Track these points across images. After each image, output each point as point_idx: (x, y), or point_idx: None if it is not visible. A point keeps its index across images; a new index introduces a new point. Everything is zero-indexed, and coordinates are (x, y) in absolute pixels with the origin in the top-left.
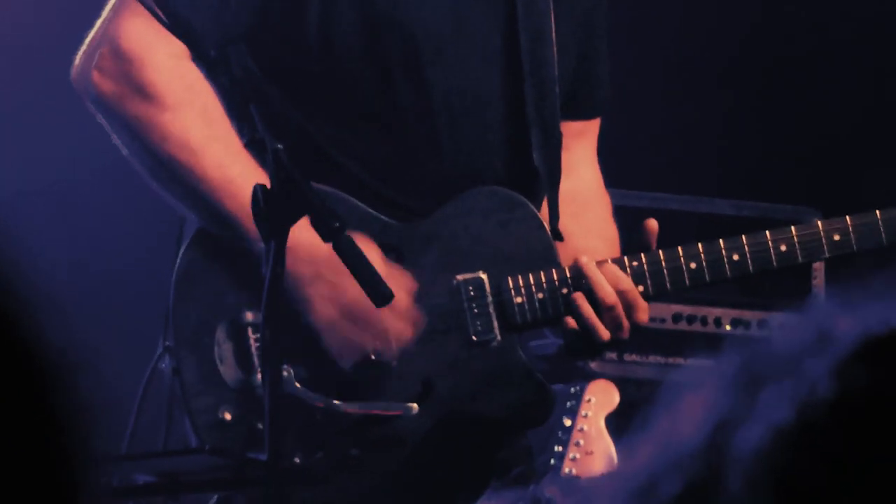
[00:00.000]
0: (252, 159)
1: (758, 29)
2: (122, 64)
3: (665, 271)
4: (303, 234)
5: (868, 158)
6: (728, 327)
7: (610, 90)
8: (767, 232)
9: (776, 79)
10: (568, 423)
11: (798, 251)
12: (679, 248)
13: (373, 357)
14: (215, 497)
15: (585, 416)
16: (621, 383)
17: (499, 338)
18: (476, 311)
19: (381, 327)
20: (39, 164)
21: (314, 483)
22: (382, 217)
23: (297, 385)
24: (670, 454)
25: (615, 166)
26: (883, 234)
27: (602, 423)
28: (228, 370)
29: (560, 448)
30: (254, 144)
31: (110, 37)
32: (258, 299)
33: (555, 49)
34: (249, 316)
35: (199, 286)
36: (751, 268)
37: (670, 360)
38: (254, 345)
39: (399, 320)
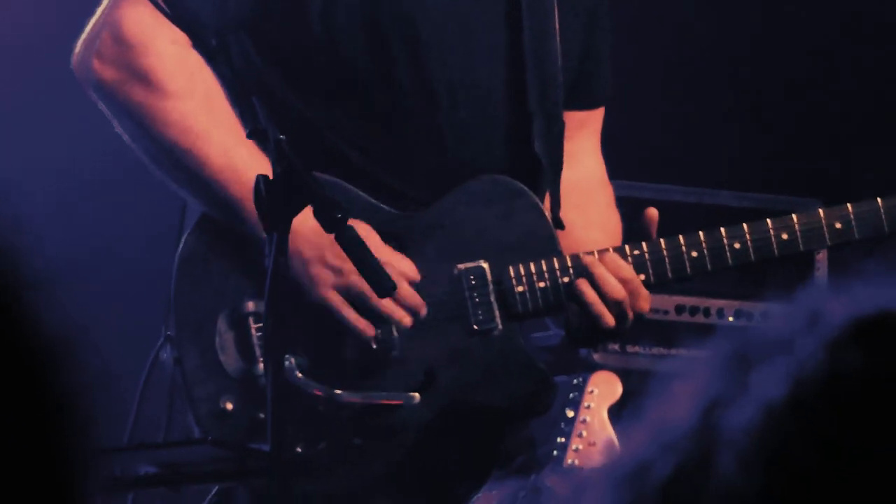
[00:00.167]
0: (255, 146)
1: (761, 22)
2: (123, 50)
3: (666, 259)
4: (308, 219)
5: (871, 151)
6: (731, 318)
7: (612, 80)
8: (769, 220)
9: (780, 70)
10: (571, 414)
11: (799, 239)
12: (680, 237)
13: (374, 347)
14: (217, 488)
15: (588, 408)
16: (624, 374)
17: (500, 327)
18: (477, 300)
19: (382, 313)
20: (40, 153)
21: (316, 473)
22: (384, 207)
23: (299, 375)
24: (661, 438)
25: (619, 157)
26: (884, 222)
27: (605, 415)
28: (230, 360)
29: (563, 439)
30: (256, 134)
31: (111, 23)
32: (260, 288)
33: (558, 38)
34: (251, 305)
35: (201, 275)
36: (752, 256)
37: (673, 351)
38: (255, 334)
39: (400, 306)
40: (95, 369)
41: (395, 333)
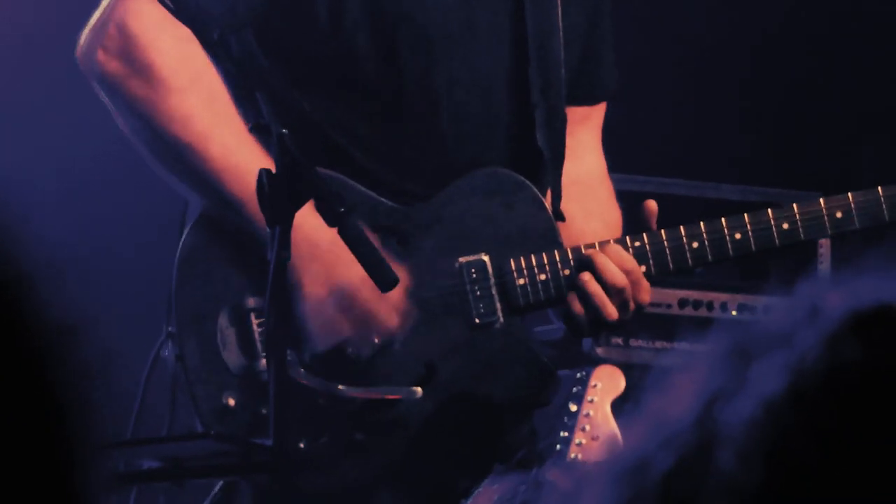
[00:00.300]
0: (257, 144)
1: (763, 16)
2: (128, 44)
3: (667, 251)
4: (305, 220)
5: (873, 145)
6: (734, 312)
7: (615, 76)
8: (770, 210)
9: (782, 65)
10: (574, 408)
11: (800, 229)
12: (681, 228)
13: (349, 350)
14: (220, 482)
15: (591, 402)
16: (627, 369)
17: (501, 320)
18: (478, 293)
19: (370, 318)
20: (42, 147)
21: (318, 468)
22: (385, 201)
23: (301, 370)
24: (661, 432)
25: (621, 151)
26: (885, 211)
27: (608, 409)
28: (231, 356)
29: (566, 433)
30: (258, 129)
31: (117, 16)
32: (260, 284)
33: (561, 33)
34: (252, 301)
35: (202, 271)
36: (753, 246)
37: (676, 345)
38: (256, 330)
39: (391, 313)
40: (97, 365)
41: (375, 338)
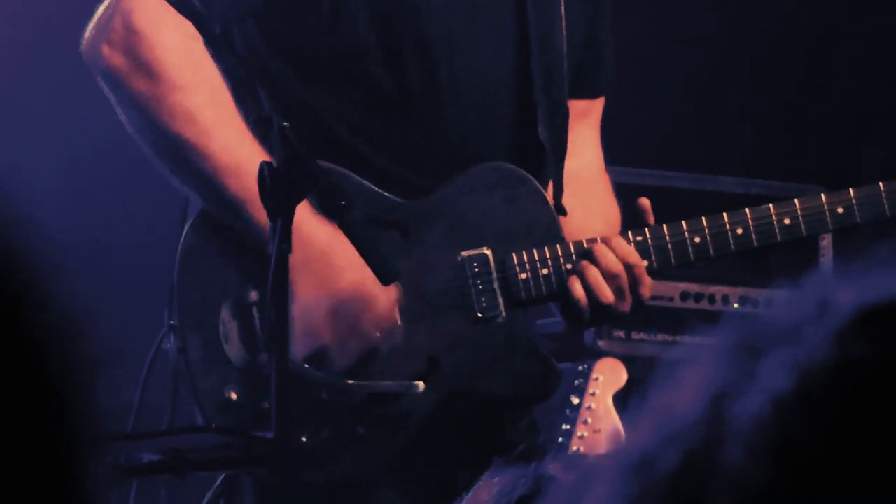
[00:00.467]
0: (259, 145)
1: (765, 10)
2: (133, 40)
3: (669, 245)
4: (302, 222)
5: (876, 138)
6: (736, 305)
7: (614, 69)
8: (771, 205)
9: (784, 58)
10: (576, 401)
11: (802, 224)
12: (683, 222)
13: (379, 335)
14: (222, 475)
15: (593, 395)
16: (629, 361)
17: (504, 314)
18: (481, 287)
19: (351, 329)
20: (43, 140)
21: (320, 462)
22: (387, 195)
23: (304, 364)
24: (668, 428)
25: (624, 144)
26: (886, 206)
27: (610, 402)
28: (233, 349)
29: (568, 426)
30: (259, 122)
31: (122, 11)
32: (263, 278)
33: (564, 27)
34: (254, 295)
35: (204, 264)
36: (755, 241)
37: (678, 338)
38: (259, 323)
39: (375, 323)
40: (99, 358)
41: (399, 322)
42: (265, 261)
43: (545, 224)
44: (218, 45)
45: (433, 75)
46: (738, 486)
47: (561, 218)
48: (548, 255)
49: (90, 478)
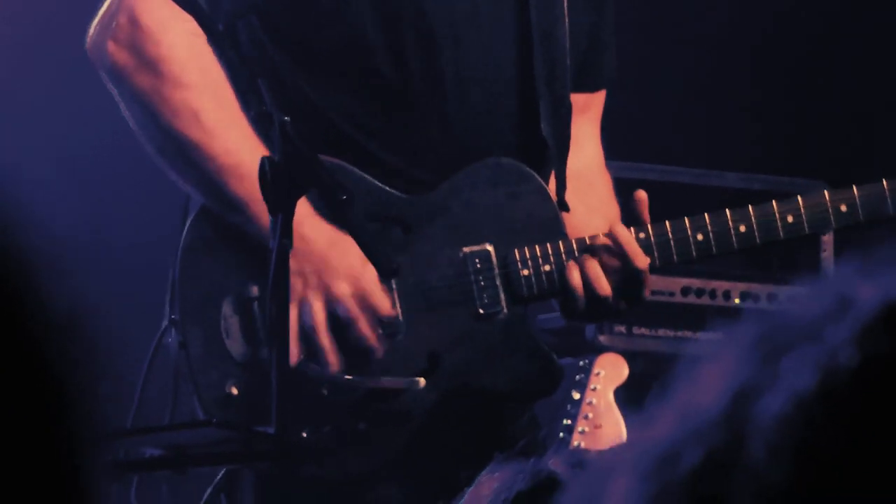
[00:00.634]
0: (261, 144)
1: (767, 4)
2: (138, 37)
3: (672, 243)
4: (304, 220)
5: (878, 132)
6: (737, 300)
7: (615, 63)
8: (774, 203)
9: (787, 53)
10: (577, 396)
11: (805, 222)
12: (686, 220)
13: (380, 332)
14: (223, 470)
15: (594, 390)
16: (630, 357)
17: (505, 310)
18: (483, 283)
19: (352, 329)
20: (44, 134)
21: (321, 457)
22: (389, 189)
23: (305, 359)
24: (690, 424)
25: (626, 139)
26: (890, 205)
27: (611, 397)
28: (235, 344)
29: (569, 421)
30: (260, 118)
31: (127, 8)
32: (264, 273)
33: (566, 21)
34: (255, 290)
35: (205, 259)
36: (758, 239)
37: (679, 333)
38: (260, 319)
39: (372, 324)
40: (99, 352)
41: (401, 318)
42: (267, 256)
43: (548, 220)
44: (221, 42)
45: (436, 69)
46: (759, 486)
47: (563, 214)
48: (550, 252)
49: (91, 474)
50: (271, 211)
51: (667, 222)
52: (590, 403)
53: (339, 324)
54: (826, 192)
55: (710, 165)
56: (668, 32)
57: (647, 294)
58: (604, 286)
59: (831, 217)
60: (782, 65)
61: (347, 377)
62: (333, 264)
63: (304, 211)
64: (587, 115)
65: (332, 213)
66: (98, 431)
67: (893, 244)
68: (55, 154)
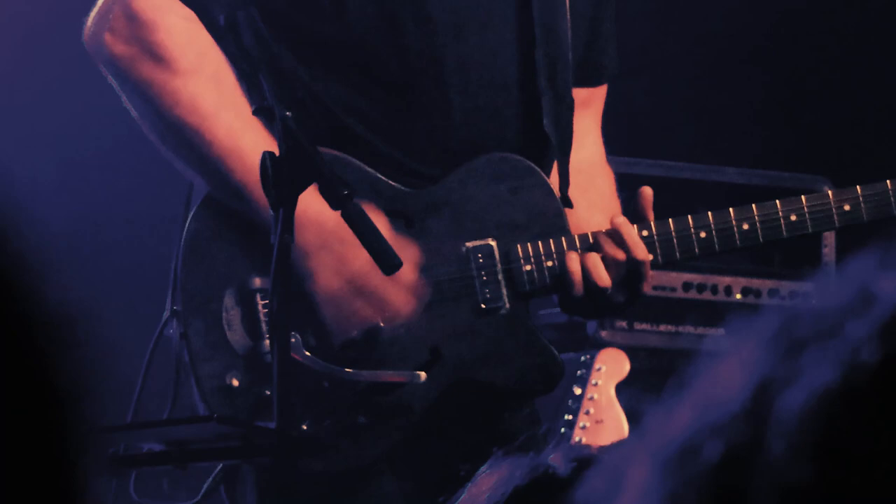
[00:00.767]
0: (263, 128)
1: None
2: (135, 26)
3: (675, 240)
4: (309, 203)
5: (878, 127)
6: (738, 296)
7: (616, 57)
8: (778, 202)
9: (789, 50)
10: (578, 391)
11: (808, 221)
12: (689, 218)
13: (381, 325)
14: (222, 464)
15: (596, 385)
16: (632, 352)
17: (507, 305)
18: (485, 278)
19: (385, 299)
20: (44, 127)
21: (321, 451)
22: (391, 183)
23: (306, 353)
24: (710, 417)
25: (628, 134)
26: (893, 204)
27: (612, 392)
28: (236, 336)
29: (570, 416)
30: (262, 112)
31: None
32: (266, 265)
33: (568, 16)
34: (257, 282)
35: (208, 251)
36: (761, 238)
37: (680, 328)
38: (262, 311)
39: (403, 293)
40: (101, 344)
41: (396, 318)
42: (269, 248)
43: (550, 216)
44: (222, 34)
45: (438, 64)
46: (780, 482)
47: (566, 210)
48: (552, 247)
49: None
50: (273, 205)
51: (670, 220)
52: (591, 398)
53: (370, 298)
54: (829, 192)
55: (712, 161)
56: (671, 28)
57: (647, 289)
58: (603, 278)
59: (835, 216)
60: (785, 61)
61: (348, 370)
62: (349, 240)
63: (308, 193)
64: (589, 110)
65: (333, 208)
66: (98, 427)
67: None
68: (54, 151)
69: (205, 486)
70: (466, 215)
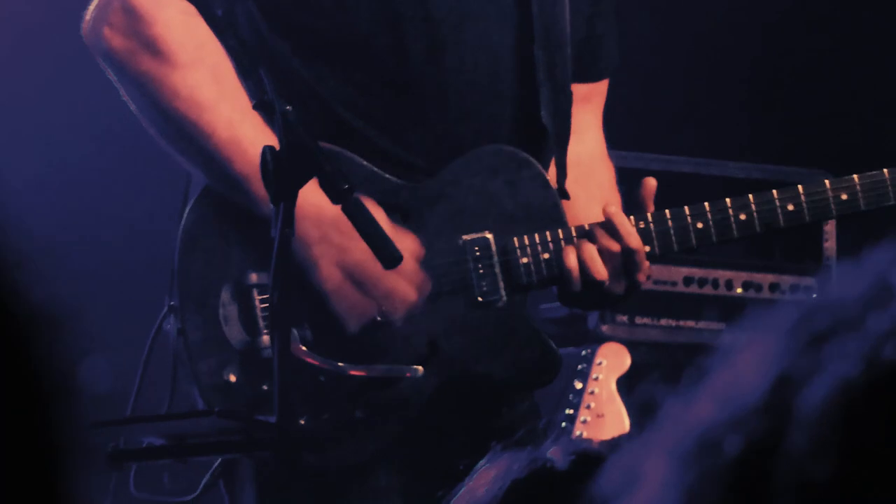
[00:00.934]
0: (261, 120)
1: None
2: (133, 20)
3: (671, 231)
4: (310, 196)
5: (880, 122)
6: (739, 290)
7: (617, 52)
8: (774, 191)
9: (789, 43)
10: (579, 385)
11: (805, 210)
12: (686, 208)
13: (378, 319)
14: (221, 458)
15: (596, 379)
16: (632, 346)
17: (504, 298)
18: (482, 271)
19: (387, 290)
20: (39, 121)
21: (319, 445)
22: (389, 177)
23: (303, 348)
24: (730, 410)
25: (628, 128)
26: (891, 193)
27: (613, 386)
28: (233, 331)
29: (571, 411)
30: (262, 106)
31: None
32: (263, 260)
33: (567, 10)
34: (254, 277)
35: (205, 246)
36: (758, 227)
37: (681, 322)
38: (259, 306)
39: (405, 283)
40: (99, 339)
41: (399, 307)
42: (267, 243)
43: (547, 208)
44: (220, 28)
45: (437, 57)
46: (801, 477)
47: (563, 202)
48: (549, 239)
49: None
50: (273, 200)
51: (666, 211)
52: (592, 393)
53: (375, 283)
54: (827, 181)
55: (711, 155)
56: (671, 23)
57: (643, 279)
58: (599, 269)
59: (832, 205)
60: (784, 54)
61: (345, 364)
62: (349, 233)
63: (307, 187)
64: (589, 104)
65: (334, 202)
66: (96, 421)
67: None
68: (52, 138)
69: (203, 480)
70: (463, 208)
